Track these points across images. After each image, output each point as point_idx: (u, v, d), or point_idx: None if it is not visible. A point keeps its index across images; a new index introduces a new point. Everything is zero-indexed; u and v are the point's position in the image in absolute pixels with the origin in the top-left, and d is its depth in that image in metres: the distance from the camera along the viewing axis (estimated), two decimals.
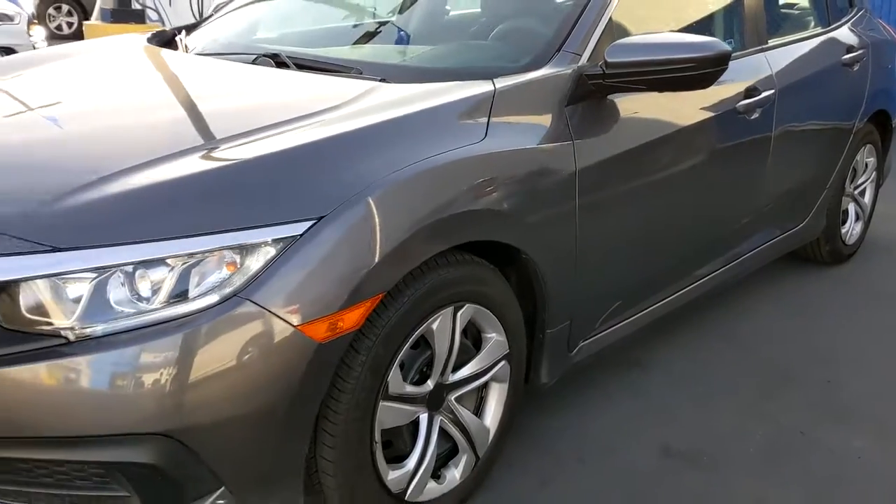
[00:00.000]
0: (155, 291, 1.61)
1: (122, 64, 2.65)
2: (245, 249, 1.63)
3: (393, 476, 1.94)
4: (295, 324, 1.64)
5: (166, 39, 3.01)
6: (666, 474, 2.37)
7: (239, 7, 3.14)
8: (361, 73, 2.32)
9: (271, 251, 1.64)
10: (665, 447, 2.50)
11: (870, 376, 2.98)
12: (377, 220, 1.75)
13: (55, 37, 12.96)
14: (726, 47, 2.24)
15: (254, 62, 2.48)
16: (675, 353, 3.06)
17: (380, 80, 2.22)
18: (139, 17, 8.21)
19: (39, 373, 1.58)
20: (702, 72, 2.23)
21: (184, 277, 1.61)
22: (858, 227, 4.15)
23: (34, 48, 7.34)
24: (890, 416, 2.72)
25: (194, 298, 1.61)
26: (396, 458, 1.98)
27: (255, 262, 1.63)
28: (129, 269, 1.61)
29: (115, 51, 2.81)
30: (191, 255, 1.61)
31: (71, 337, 1.58)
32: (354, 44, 2.83)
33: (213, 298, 1.60)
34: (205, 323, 1.59)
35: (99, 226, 1.64)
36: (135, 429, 1.58)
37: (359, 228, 1.72)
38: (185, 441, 1.59)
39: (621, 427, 2.58)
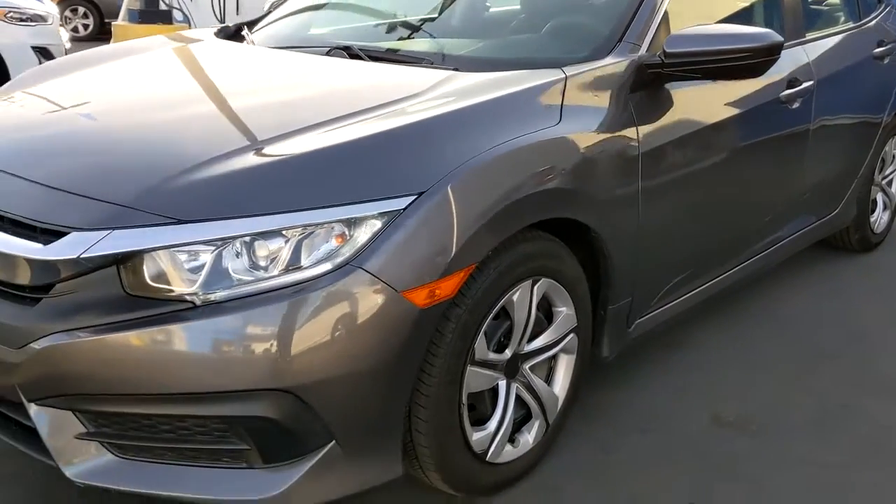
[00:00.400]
0: (272, 261, 1.75)
1: (205, 56, 2.80)
2: (353, 222, 1.77)
3: (476, 437, 2.08)
4: (399, 290, 1.78)
5: (230, 34, 3.16)
6: (720, 441, 2.51)
7: (302, 7, 3.27)
8: (432, 64, 2.47)
9: (377, 224, 1.78)
10: (716, 417, 2.63)
11: None
12: (470, 196, 1.90)
13: (74, 39, 13.12)
14: (779, 38, 2.38)
15: (327, 54, 2.62)
16: (719, 334, 3.20)
17: (453, 70, 2.35)
18: (166, 17, 8.34)
19: (167, 334, 1.73)
20: (756, 61, 2.37)
21: (297, 248, 1.76)
22: (886, 216, 4.27)
23: (66, 49, 7.50)
24: None
25: (308, 267, 1.75)
26: (477, 422, 2.12)
27: (362, 234, 1.78)
28: (248, 240, 1.75)
29: (190, 45, 2.95)
30: (305, 227, 1.76)
31: (197, 302, 1.72)
32: (413, 37, 2.97)
33: (327, 266, 1.75)
34: (319, 289, 1.73)
35: (219, 200, 1.78)
36: (256, 385, 1.72)
37: (454, 204, 1.86)
38: (303, 396, 1.74)
39: (674, 400, 2.72)
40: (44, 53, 7.17)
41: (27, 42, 7.02)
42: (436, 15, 3.25)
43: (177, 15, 8.74)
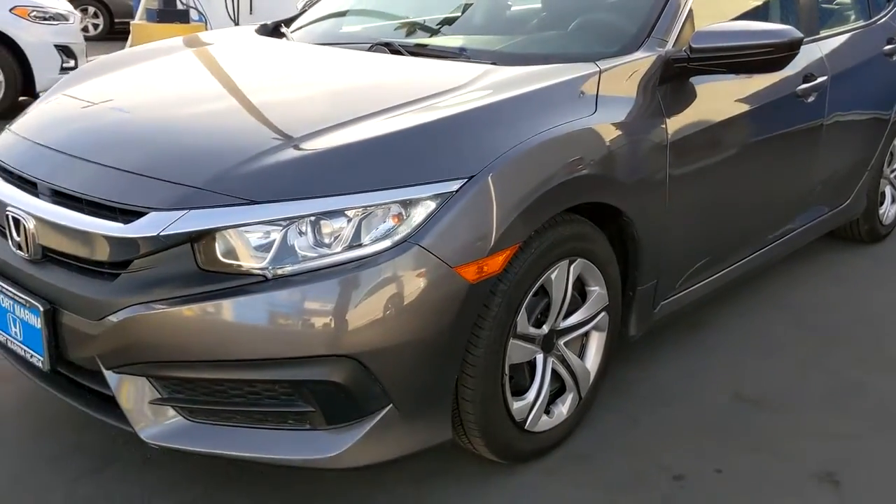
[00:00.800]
0: (335, 238, 1.90)
1: (254, 51, 2.96)
2: (409, 203, 1.92)
3: (517, 406, 2.22)
4: (452, 266, 1.92)
5: (269, 31, 3.31)
6: (740, 414, 2.66)
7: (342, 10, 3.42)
8: (470, 59, 2.61)
9: (431, 205, 1.93)
10: (737, 393, 2.78)
11: None
12: (514, 181, 2.05)
13: (84, 39, 13.26)
14: (799, 34, 2.53)
15: (370, 49, 2.77)
16: (736, 318, 3.34)
17: (491, 64, 2.50)
18: (184, 17, 8.49)
19: (240, 305, 1.88)
20: (777, 56, 2.52)
21: (358, 227, 1.90)
22: (894, 209, 4.41)
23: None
24: None
25: (368, 244, 1.90)
26: (516, 393, 2.26)
27: (418, 215, 1.92)
28: (313, 219, 1.90)
29: (238, 40, 3.11)
30: (365, 207, 1.90)
31: (268, 276, 1.87)
32: (445, 34, 3.12)
33: (386, 244, 1.89)
34: (379, 264, 1.88)
35: (286, 182, 1.93)
36: (322, 352, 1.87)
37: (500, 187, 2.01)
38: (365, 362, 1.88)
39: (696, 377, 2.87)
40: (66, 52, 7.31)
41: (50, 40, 7.15)
42: (459, 14, 3.40)
43: (193, 14, 8.88)
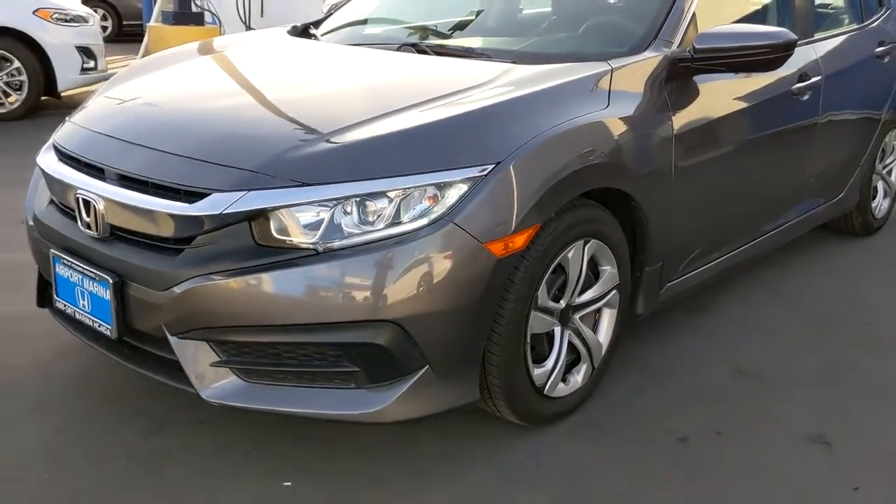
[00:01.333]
0: (378, 217, 2.13)
1: (291, 49, 3.20)
2: (444, 185, 2.15)
3: (537, 372, 2.45)
4: (482, 241, 2.16)
5: (299, 33, 3.54)
6: (739, 387, 2.89)
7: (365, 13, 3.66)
8: (491, 58, 2.85)
9: (463, 188, 2.16)
10: (737, 369, 3.01)
11: None
12: (536, 167, 2.28)
13: None
14: (794, 35, 2.77)
15: (398, 49, 3.00)
16: (734, 303, 3.57)
17: (511, 63, 2.73)
18: (198, 19, 8.74)
19: (294, 276, 2.11)
20: (773, 56, 2.75)
21: (398, 207, 2.13)
22: (886, 203, 4.65)
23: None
24: None
25: (407, 222, 2.13)
26: (536, 362, 2.48)
27: (451, 196, 2.15)
28: (358, 199, 2.13)
29: (274, 40, 3.35)
30: (405, 189, 2.13)
31: (320, 249, 2.10)
32: (464, 35, 3.35)
33: (424, 221, 2.12)
34: (418, 239, 2.11)
35: (334, 167, 2.16)
36: (367, 317, 2.10)
37: (524, 173, 2.24)
38: (405, 327, 2.11)
39: (698, 355, 3.10)
40: (86, 53, 7.55)
41: (71, 42, 7.38)
42: (475, 17, 3.64)
43: (206, 17, 9.11)
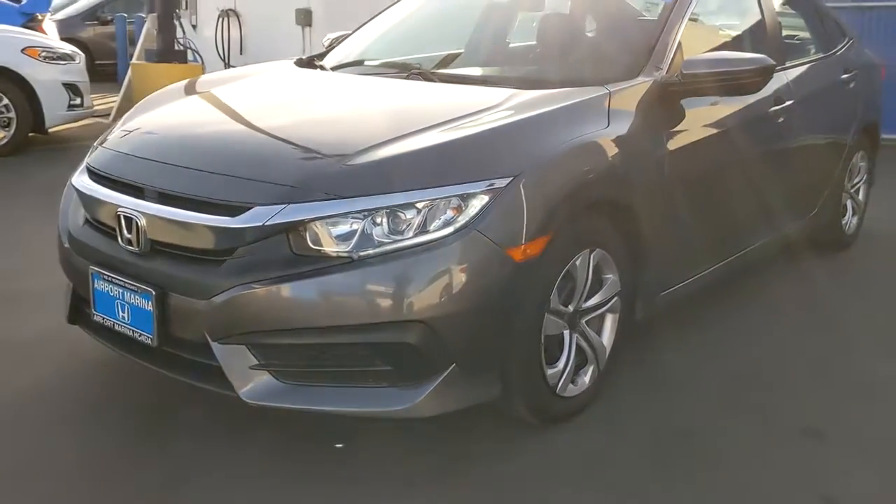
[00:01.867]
0: (406, 226, 2.31)
1: (306, 78, 3.42)
2: (467, 197, 2.35)
3: (550, 372, 2.63)
4: (503, 248, 2.35)
5: (304, 64, 3.75)
6: (734, 387, 3.09)
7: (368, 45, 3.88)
8: (495, 85, 3.07)
9: (485, 198, 2.36)
10: (729, 371, 3.22)
11: (882, 311, 3.81)
12: (548, 180, 2.49)
13: None
14: (772, 62, 3.03)
15: (407, 78, 3.22)
16: (724, 311, 3.80)
17: (515, 89, 2.95)
18: (182, 57, 8.91)
19: (330, 282, 2.28)
20: (754, 80, 3.01)
21: (425, 217, 2.32)
22: (855, 220, 4.93)
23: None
24: None
25: (433, 230, 2.32)
26: (548, 363, 2.67)
27: (473, 206, 2.35)
28: (388, 211, 2.31)
29: (285, 71, 3.56)
30: (432, 200, 2.33)
31: (354, 257, 2.28)
32: (464, 65, 3.59)
33: (449, 230, 2.31)
34: (444, 246, 2.30)
35: (365, 181, 2.35)
36: (398, 318, 2.28)
37: (539, 184, 2.45)
38: (434, 327, 2.29)
39: (693, 352, 3.34)
40: (73, 90, 7.68)
41: (59, 79, 7.52)
42: (468, 49, 3.88)
43: (188, 54, 9.29)
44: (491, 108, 2.73)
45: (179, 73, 8.66)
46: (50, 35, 10.18)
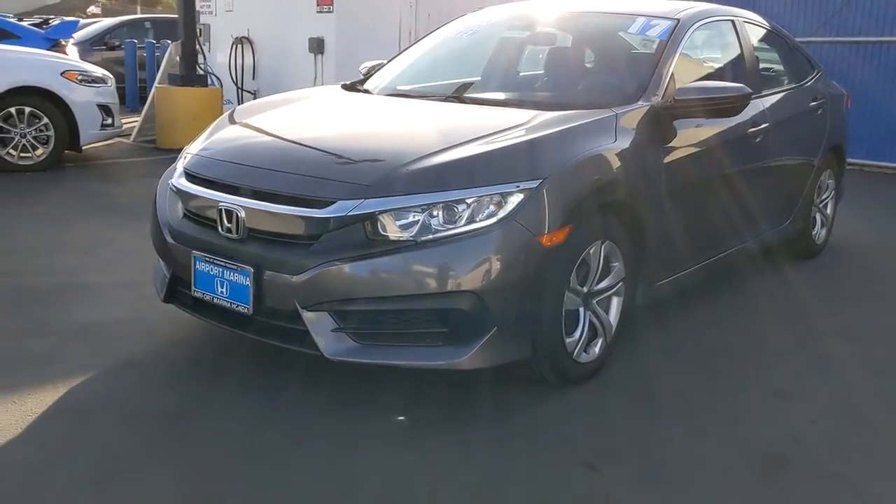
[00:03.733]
0: (459, 217, 2.91)
1: (359, 100, 4.06)
2: (506, 195, 2.95)
3: (568, 340, 3.23)
4: (535, 235, 2.95)
5: (348, 87, 4.36)
6: (712, 359, 3.69)
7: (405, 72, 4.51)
8: (521, 106, 3.69)
9: (520, 196, 2.96)
10: (708, 347, 3.82)
11: (841, 305, 4.38)
12: (569, 183, 3.10)
13: None
14: (749, 89, 3.67)
15: (444, 100, 3.84)
16: (712, 304, 4.41)
17: (537, 110, 3.57)
18: (203, 81, 9.52)
19: (399, 259, 2.87)
20: (735, 105, 3.65)
21: (473, 210, 2.92)
22: (823, 232, 5.57)
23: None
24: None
25: (480, 221, 2.91)
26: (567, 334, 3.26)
27: (511, 202, 2.94)
28: (443, 205, 2.91)
29: (338, 93, 4.17)
30: (478, 198, 2.93)
31: (417, 241, 2.87)
32: (489, 90, 4.22)
33: (493, 220, 2.91)
34: (490, 233, 2.89)
35: (425, 181, 2.95)
36: (454, 289, 2.87)
37: (562, 186, 3.06)
38: (482, 296, 2.88)
39: (679, 340, 3.91)
40: (105, 111, 8.25)
41: (93, 101, 8.10)
42: (491, 77, 4.50)
43: (211, 78, 9.89)
44: (520, 125, 3.35)
45: (200, 96, 9.31)
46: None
